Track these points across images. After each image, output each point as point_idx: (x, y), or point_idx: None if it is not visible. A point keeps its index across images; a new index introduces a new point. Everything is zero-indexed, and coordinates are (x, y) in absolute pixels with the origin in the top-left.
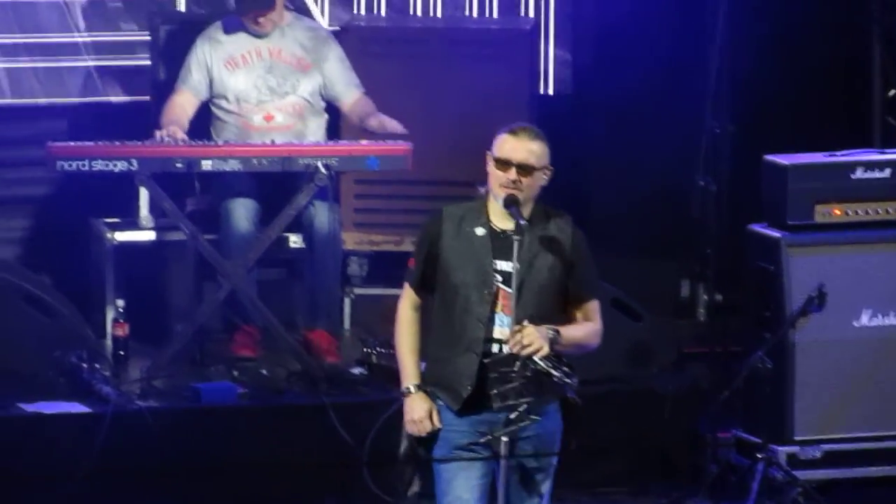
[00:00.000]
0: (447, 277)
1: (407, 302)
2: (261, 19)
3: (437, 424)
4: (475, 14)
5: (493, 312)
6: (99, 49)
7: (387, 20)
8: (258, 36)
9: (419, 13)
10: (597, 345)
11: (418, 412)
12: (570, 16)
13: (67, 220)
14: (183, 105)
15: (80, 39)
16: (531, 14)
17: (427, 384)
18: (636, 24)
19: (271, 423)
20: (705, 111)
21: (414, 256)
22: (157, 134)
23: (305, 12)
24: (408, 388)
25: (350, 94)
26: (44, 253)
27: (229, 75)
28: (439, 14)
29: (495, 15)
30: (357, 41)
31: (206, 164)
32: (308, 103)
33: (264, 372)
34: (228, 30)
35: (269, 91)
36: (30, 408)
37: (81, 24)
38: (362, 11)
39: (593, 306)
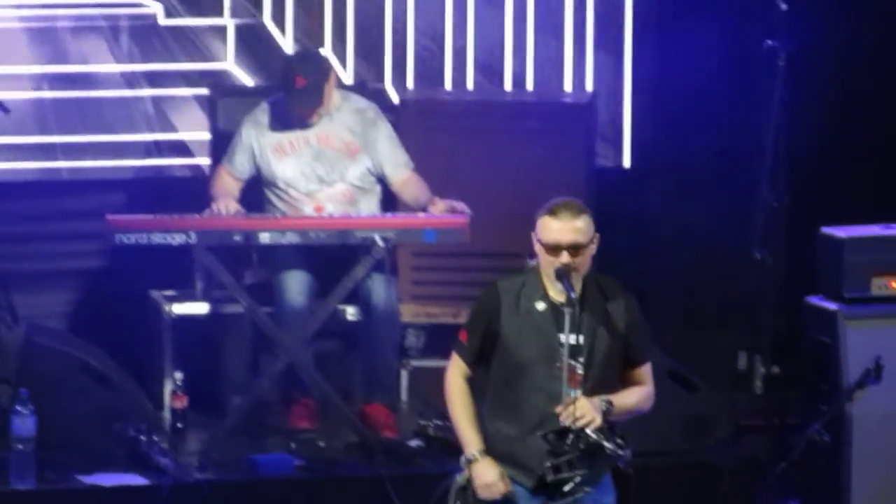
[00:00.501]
0: (510, 354)
1: (457, 372)
2: (310, 114)
3: (510, 486)
4: (518, 85)
5: (563, 387)
6: (160, 123)
7: (444, 93)
8: (311, 125)
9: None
10: (650, 408)
11: (490, 475)
12: (630, 90)
13: (125, 293)
14: (227, 181)
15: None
16: (589, 87)
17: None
18: (692, 97)
19: (328, 495)
20: (761, 183)
21: (467, 330)
22: (214, 207)
23: (364, 87)
24: (473, 455)
25: (399, 174)
26: (102, 325)
27: (277, 162)
28: (508, 85)
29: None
30: (414, 114)
31: (264, 237)
32: (357, 187)
33: (321, 444)
34: (275, 114)
35: (318, 180)
36: (88, 479)
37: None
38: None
39: (647, 369)
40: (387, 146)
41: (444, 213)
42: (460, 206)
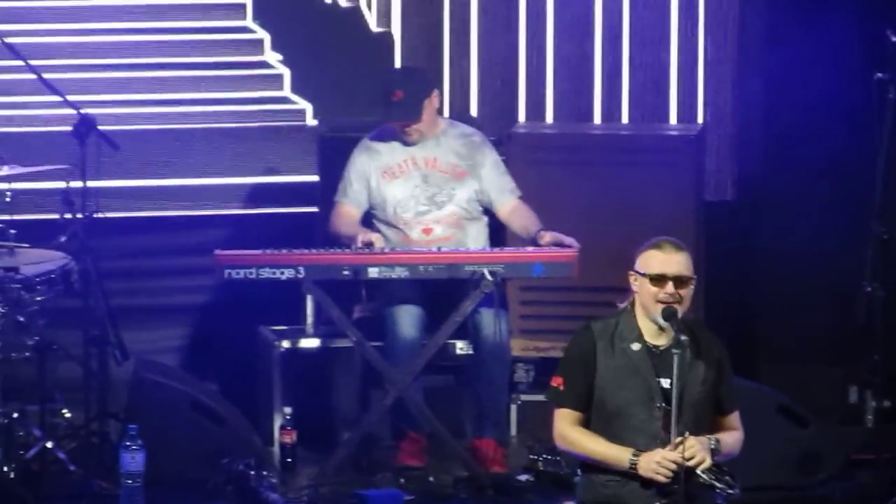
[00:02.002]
0: (607, 397)
1: (566, 424)
2: (407, 129)
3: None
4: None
5: (663, 429)
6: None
7: (550, 127)
8: (412, 145)
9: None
10: (738, 452)
11: (655, 456)
12: (736, 122)
13: (234, 328)
14: (345, 214)
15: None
16: (699, 119)
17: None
18: (800, 130)
19: None
20: (871, 216)
21: (563, 376)
22: (359, 239)
23: (466, 120)
24: (632, 459)
25: (506, 201)
26: (211, 361)
27: (387, 185)
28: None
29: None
30: (521, 148)
31: (373, 272)
32: (465, 211)
33: (431, 479)
34: (384, 139)
35: (428, 201)
36: None
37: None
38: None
39: (736, 415)
40: (493, 172)
41: (552, 245)
42: (568, 239)
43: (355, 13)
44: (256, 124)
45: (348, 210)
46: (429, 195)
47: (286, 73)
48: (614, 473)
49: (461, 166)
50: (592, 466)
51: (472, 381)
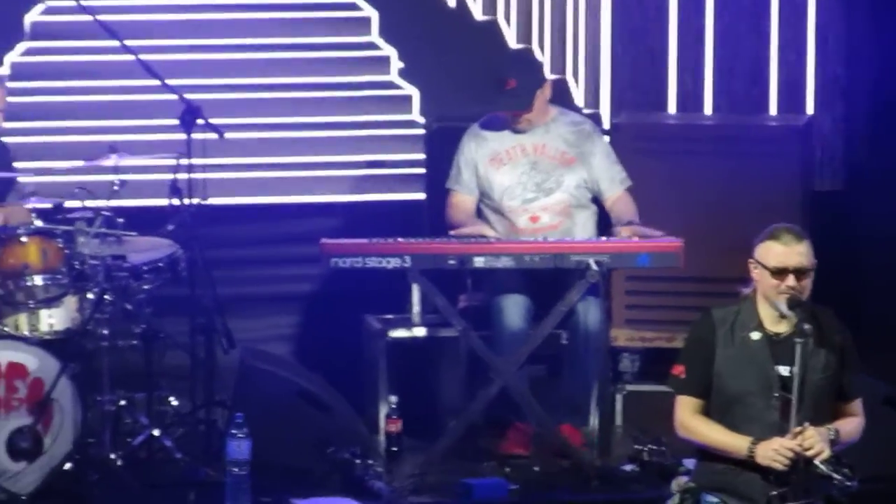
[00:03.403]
0: (724, 385)
1: (686, 411)
2: (518, 118)
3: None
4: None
5: (781, 418)
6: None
7: (657, 117)
8: (521, 132)
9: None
10: (857, 439)
11: (773, 444)
12: (843, 109)
13: (340, 317)
14: (459, 204)
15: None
16: (810, 110)
17: (703, 489)
18: None
19: None
20: None
21: (683, 363)
22: (466, 231)
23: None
24: (751, 447)
25: (612, 191)
26: (318, 349)
27: (495, 172)
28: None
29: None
30: (628, 138)
31: (479, 261)
32: (573, 198)
33: (536, 468)
34: (492, 126)
35: (536, 187)
36: (303, 503)
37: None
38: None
39: (858, 402)
40: (603, 160)
41: (631, 238)
42: (653, 233)
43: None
44: (364, 117)
45: (462, 198)
46: (537, 182)
47: (393, 55)
48: (730, 461)
49: (570, 153)
50: (709, 453)
51: (570, 369)
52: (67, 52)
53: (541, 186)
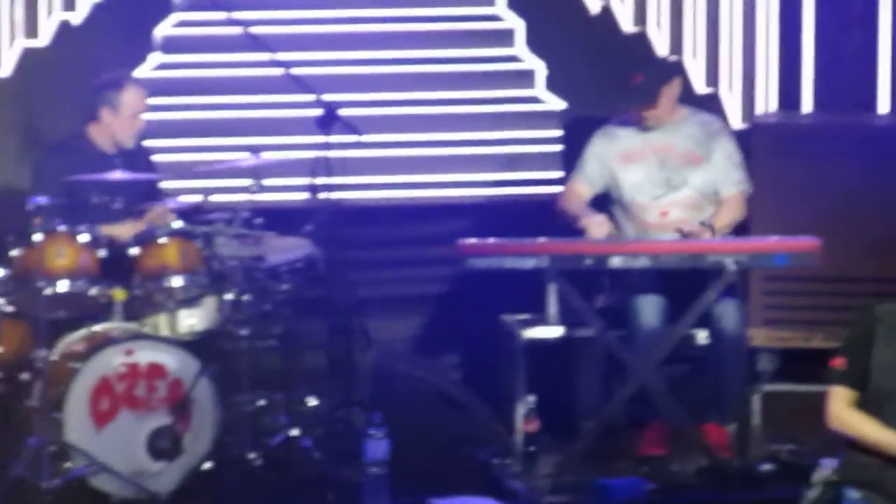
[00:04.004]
0: (880, 381)
1: (841, 403)
2: (644, 113)
3: None
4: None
5: None
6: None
7: (797, 117)
8: (650, 131)
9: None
10: None
11: None
12: None
13: (476, 317)
14: (578, 193)
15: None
16: None
17: (846, 483)
18: None
19: None
20: None
21: (845, 354)
22: (584, 224)
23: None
24: None
25: (727, 191)
26: (454, 350)
27: (623, 170)
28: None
29: None
30: (767, 138)
31: (616, 261)
32: (701, 195)
33: (673, 468)
34: (623, 124)
35: (664, 184)
36: (441, 503)
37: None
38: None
39: None
40: (723, 160)
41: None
42: (696, 231)
43: (607, 15)
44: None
45: (580, 188)
46: (664, 179)
47: (538, 67)
48: (880, 457)
49: (697, 153)
50: (857, 447)
51: (709, 370)
52: (205, 48)
53: (668, 183)
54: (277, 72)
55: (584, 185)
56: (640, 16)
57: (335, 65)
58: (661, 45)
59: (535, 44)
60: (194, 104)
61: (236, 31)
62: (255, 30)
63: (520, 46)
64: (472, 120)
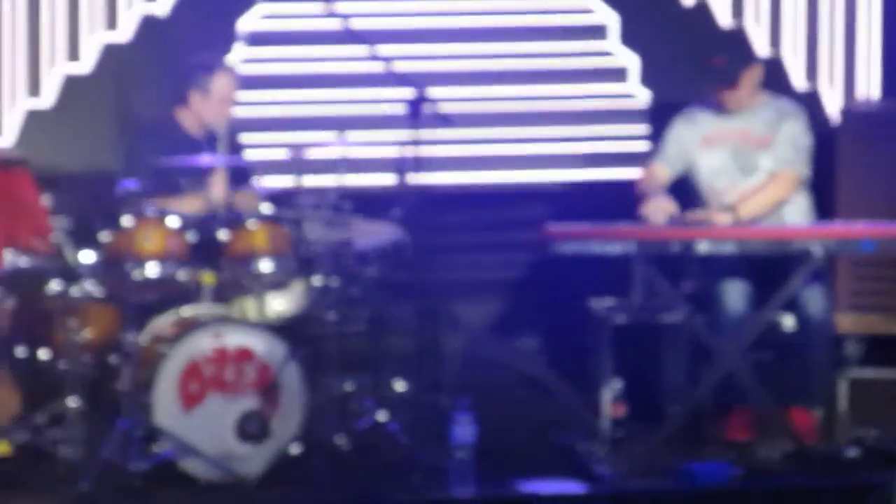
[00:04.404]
0: None
1: None
2: (725, 97)
3: None
4: None
5: None
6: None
7: (886, 103)
8: (729, 115)
9: None
10: None
11: None
12: None
13: (563, 302)
14: (657, 175)
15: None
16: None
17: None
18: None
19: None
20: None
21: None
22: (648, 207)
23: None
24: None
25: (777, 166)
26: (541, 334)
27: (702, 154)
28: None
29: None
30: (854, 124)
31: (702, 247)
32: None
33: (759, 453)
34: (704, 110)
35: (739, 168)
36: (527, 487)
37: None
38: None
39: None
40: (783, 139)
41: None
42: (699, 217)
43: (703, 8)
44: (589, 103)
45: (659, 169)
46: (739, 164)
47: (632, 62)
48: None
49: (769, 135)
50: None
51: (795, 355)
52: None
53: (743, 168)
54: (365, 65)
55: (664, 167)
56: (738, 9)
57: (423, 59)
58: (758, 40)
59: (628, 38)
60: (280, 99)
61: (323, 23)
62: (340, 21)
63: (613, 41)
64: (562, 116)
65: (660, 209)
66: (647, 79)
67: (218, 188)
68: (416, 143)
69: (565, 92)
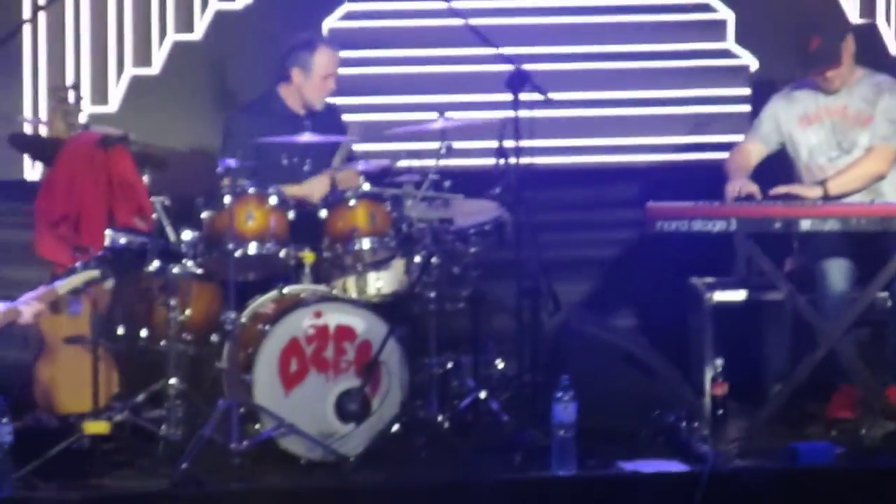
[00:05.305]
0: None
1: None
2: (828, 74)
3: None
4: None
5: None
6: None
7: None
8: (827, 94)
9: None
10: None
11: None
12: None
13: (663, 280)
14: (749, 152)
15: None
16: None
17: None
18: None
19: (867, 485)
20: None
21: None
22: (730, 188)
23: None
24: None
25: (871, 142)
26: (641, 312)
27: (801, 133)
28: None
29: None
30: None
31: (805, 224)
32: None
33: (862, 432)
34: (801, 89)
35: (837, 147)
36: (629, 466)
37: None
38: None
39: None
40: (880, 114)
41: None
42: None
43: None
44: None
45: (752, 146)
46: (837, 141)
47: (751, 61)
48: None
49: (867, 112)
50: None
51: (891, 332)
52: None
53: (840, 146)
54: (464, 26)
55: (759, 144)
56: (870, 8)
57: (539, 60)
58: (850, 8)
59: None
60: (381, 58)
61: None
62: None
63: (730, 41)
64: (660, 75)
65: (741, 191)
66: (744, 41)
67: (319, 187)
68: (517, 119)
69: (664, 52)
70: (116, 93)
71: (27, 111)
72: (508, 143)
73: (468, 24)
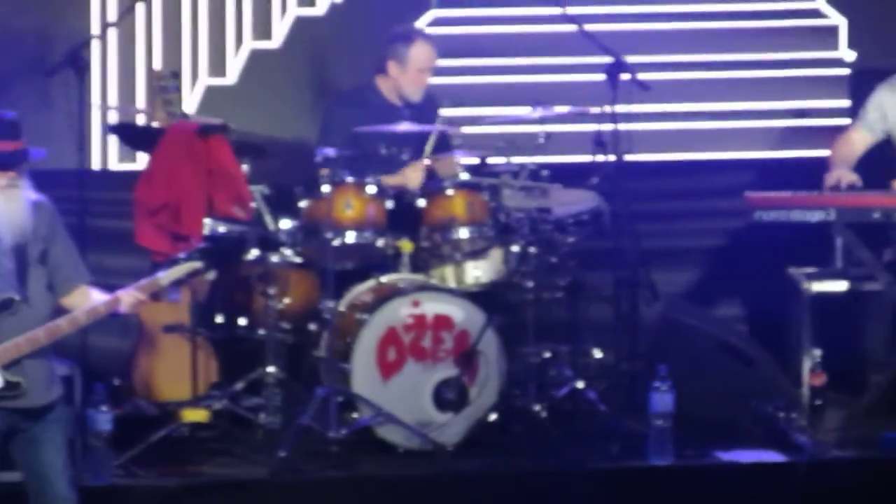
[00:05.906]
0: None
1: None
2: None
3: None
4: None
5: None
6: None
7: None
8: None
9: None
10: None
11: None
12: None
13: (761, 270)
14: (854, 141)
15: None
16: None
17: None
18: None
19: None
20: None
21: None
22: (829, 177)
23: None
24: None
25: None
26: (739, 302)
27: None
28: None
29: None
30: None
31: None
32: None
33: None
34: None
35: None
36: (726, 456)
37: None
38: None
39: None
40: None
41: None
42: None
43: None
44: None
45: (858, 135)
46: None
47: (842, 24)
48: None
49: None
50: None
51: None
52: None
53: None
54: (564, 29)
55: (865, 133)
56: None
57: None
58: None
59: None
60: (475, 66)
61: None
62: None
63: (843, 48)
64: (765, 85)
65: (839, 180)
66: (854, 42)
67: (415, 175)
68: (615, 114)
69: (772, 61)
70: (193, 100)
71: (139, 101)
72: (606, 134)
73: (579, 28)
